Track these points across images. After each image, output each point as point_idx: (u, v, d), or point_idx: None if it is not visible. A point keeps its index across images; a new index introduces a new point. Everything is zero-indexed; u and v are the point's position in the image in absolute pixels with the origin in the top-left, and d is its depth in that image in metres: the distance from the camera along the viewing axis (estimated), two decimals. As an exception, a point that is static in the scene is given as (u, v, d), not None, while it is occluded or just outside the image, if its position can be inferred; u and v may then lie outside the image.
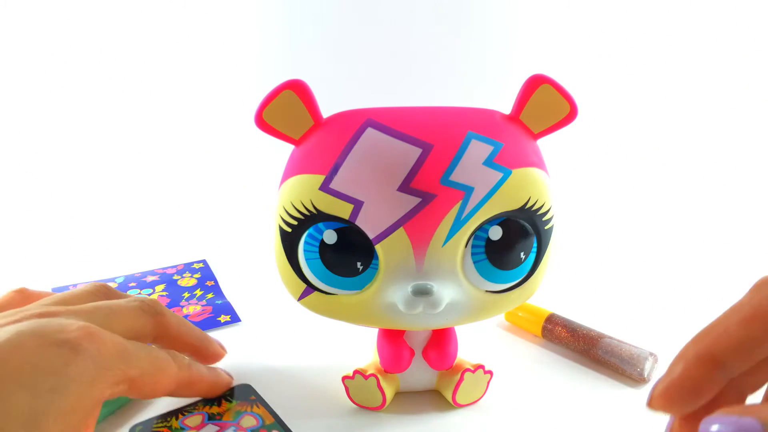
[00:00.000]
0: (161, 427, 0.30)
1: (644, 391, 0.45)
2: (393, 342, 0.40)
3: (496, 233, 0.35)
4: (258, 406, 0.30)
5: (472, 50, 0.85)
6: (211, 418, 0.29)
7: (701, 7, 0.83)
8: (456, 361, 0.42)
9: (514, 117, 0.37)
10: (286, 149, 0.38)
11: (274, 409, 0.31)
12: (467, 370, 0.41)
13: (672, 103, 0.87)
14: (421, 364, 0.41)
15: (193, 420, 0.30)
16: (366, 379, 0.40)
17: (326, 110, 0.36)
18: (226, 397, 0.31)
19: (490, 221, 0.35)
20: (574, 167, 0.81)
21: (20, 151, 0.84)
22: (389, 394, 0.41)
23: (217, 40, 0.87)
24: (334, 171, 0.34)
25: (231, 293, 0.61)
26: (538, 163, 0.37)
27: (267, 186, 0.45)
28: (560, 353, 0.48)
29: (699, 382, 0.20)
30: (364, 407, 0.41)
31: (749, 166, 0.83)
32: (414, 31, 0.83)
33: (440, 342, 0.40)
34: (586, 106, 0.37)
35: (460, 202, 0.34)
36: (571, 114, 0.36)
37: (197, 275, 0.64)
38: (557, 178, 0.39)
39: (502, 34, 0.86)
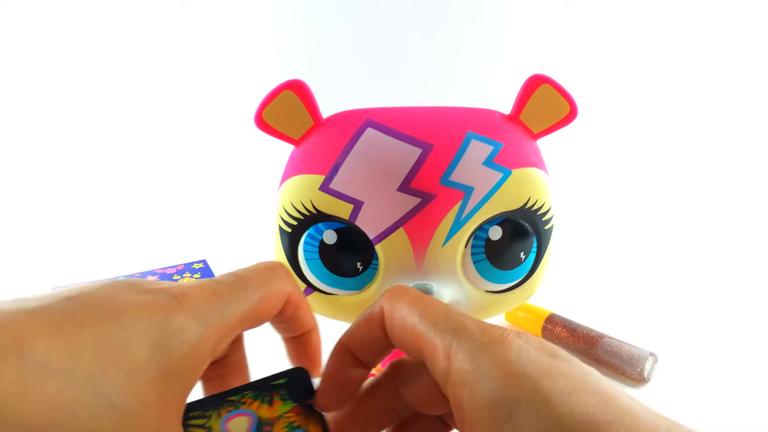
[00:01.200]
0: (198, 424, 0.22)
1: (644, 391, 0.45)
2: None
3: (495, 233, 0.35)
4: (316, 423, 0.24)
5: (471, 50, 0.85)
6: (259, 427, 0.23)
7: (701, 7, 0.83)
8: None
9: (514, 117, 0.37)
10: (286, 149, 0.38)
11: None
12: (467, 370, 0.41)
13: (672, 103, 0.87)
14: (421, 364, 0.41)
15: (238, 424, 0.23)
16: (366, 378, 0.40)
17: (326, 110, 0.36)
18: (278, 389, 0.24)
19: (490, 221, 0.35)
20: (574, 167, 0.81)
21: (20, 151, 0.84)
22: (389, 394, 0.41)
23: (217, 40, 0.87)
24: (334, 171, 0.34)
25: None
26: (538, 163, 0.37)
27: (267, 186, 0.45)
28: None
29: (341, 371, 0.23)
30: (364, 407, 0.41)
31: (749, 166, 0.83)
32: (414, 31, 0.83)
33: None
34: (586, 106, 0.37)
35: (460, 202, 0.34)
36: (571, 114, 0.36)
37: (197, 275, 0.64)
38: (557, 178, 0.39)
39: (502, 34, 0.86)
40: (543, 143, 0.38)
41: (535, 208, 0.35)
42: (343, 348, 0.23)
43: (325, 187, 0.34)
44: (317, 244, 0.35)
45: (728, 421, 0.42)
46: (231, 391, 0.23)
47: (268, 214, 0.38)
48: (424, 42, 0.85)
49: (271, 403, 0.23)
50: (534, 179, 0.35)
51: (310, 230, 0.35)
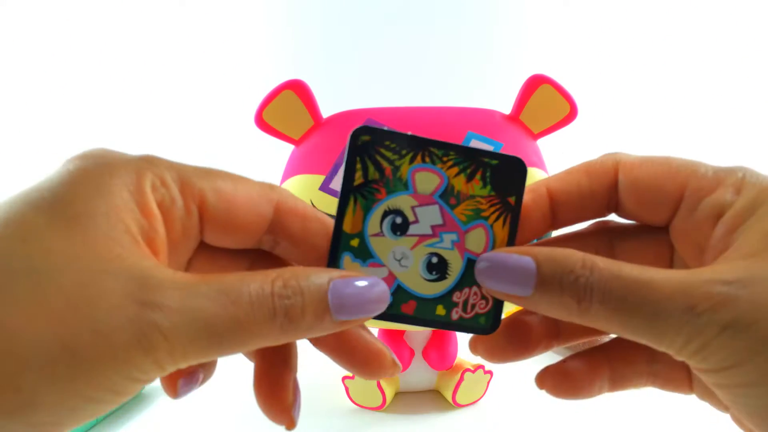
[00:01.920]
0: (388, 157, 0.20)
1: (644, 391, 0.45)
2: (393, 342, 0.40)
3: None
4: (505, 222, 0.20)
5: (472, 50, 0.85)
6: (445, 195, 0.20)
7: (701, 6, 0.83)
8: (456, 361, 0.42)
9: (514, 117, 0.37)
10: (286, 149, 0.38)
11: None
12: (467, 370, 0.41)
13: (672, 103, 0.87)
14: (421, 364, 0.41)
15: (426, 179, 0.20)
16: (366, 379, 0.40)
17: (326, 110, 0.36)
18: (486, 171, 0.20)
19: (490, 221, 0.35)
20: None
21: (20, 151, 0.84)
22: (389, 394, 0.41)
23: (217, 40, 0.87)
24: (334, 171, 0.34)
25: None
26: (538, 163, 0.37)
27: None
28: (560, 353, 0.48)
29: (527, 207, 0.20)
30: (364, 407, 0.41)
31: (750, 166, 0.83)
32: (414, 30, 0.83)
33: (440, 342, 0.40)
34: (586, 106, 0.37)
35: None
36: (571, 114, 0.36)
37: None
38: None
39: (502, 33, 0.86)
40: (543, 143, 0.38)
41: (535, 208, 0.35)
42: (541, 194, 0.20)
43: (325, 187, 0.34)
44: (317, 244, 0.35)
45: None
46: (436, 142, 0.20)
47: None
48: (424, 42, 0.85)
49: (470, 177, 0.20)
50: (534, 179, 0.35)
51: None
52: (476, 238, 0.20)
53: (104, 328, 0.15)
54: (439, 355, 0.40)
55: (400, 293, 0.20)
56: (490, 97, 0.44)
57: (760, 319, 0.15)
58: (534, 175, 0.36)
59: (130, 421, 0.41)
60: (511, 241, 0.20)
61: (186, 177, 0.18)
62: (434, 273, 0.20)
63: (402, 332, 0.41)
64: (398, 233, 0.20)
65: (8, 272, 0.15)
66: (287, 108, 0.35)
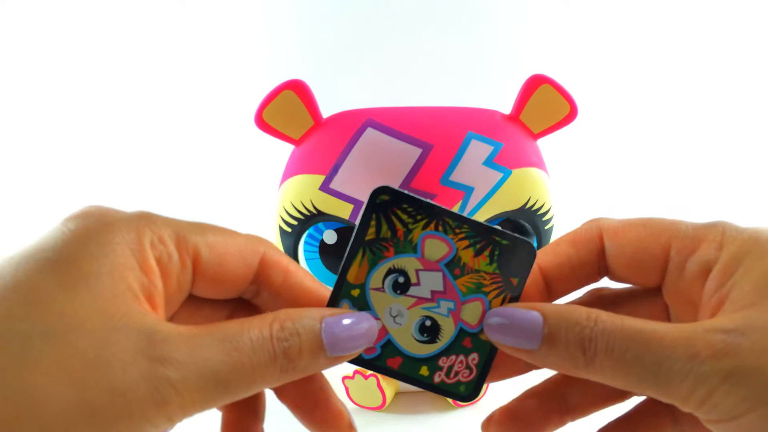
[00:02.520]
0: (402, 219, 0.20)
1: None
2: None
3: (496, 233, 0.35)
4: (504, 300, 0.21)
5: (472, 50, 0.85)
6: (451, 265, 0.21)
7: (701, 6, 0.83)
8: (456, 361, 0.42)
9: (514, 117, 0.37)
10: (286, 149, 0.38)
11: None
12: (467, 370, 0.41)
13: (673, 103, 0.87)
14: (421, 364, 0.41)
15: (435, 247, 0.21)
16: (366, 379, 0.40)
17: (326, 110, 0.36)
18: (494, 249, 0.21)
19: (491, 221, 0.35)
20: (574, 167, 0.81)
21: (19, 151, 0.84)
22: (389, 394, 0.41)
23: (217, 40, 0.87)
24: (334, 171, 0.34)
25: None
26: (538, 163, 0.37)
27: (267, 186, 0.45)
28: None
29: (527, 286, 0.21)
30: (364, 407, 0.41)
31: (750, 167, 0.83)
32: (414, 30, 0.83)
33: (440, 342, 0.41)
34: (586, 106, 0.37)
35: (460, 202, 0.34)
36: (571, 114, 0.36)
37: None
38: (557, 178, 0.39)
39: (502, 33, 0.86)
40: (543, 143, 0.38)
41: (535, 208, 0.35)
42: (533, 271, 0.21)
43: (325, 187, 0.34)
44: (317, 244, 0.35)
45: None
46: (453, 214, 0.21)
47: (268, 214, 0.38)
48: (424, 42, 0.85)
49: (479, 253, 0.21)
50: (534, 179, 0.35)
51: (311, 230, 0.35)
52: (473, 311, 0.21)
53: (120, 386, 0.15)
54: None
55: (389, 348, 0.21)
56: (491, 97, 0.44)
57: (763, 365, 0.16)
58: (534, 175, 0.36)
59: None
60: None
61: (181, 233, 0.19)
62: (425, 335, 0.21)
63: (402, 332, 0.41)
64: (398, 292, 0.21)
65: (25, 336, 0.15)
66: (287, 108, 0.35)
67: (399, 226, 0.21)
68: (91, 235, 0.17)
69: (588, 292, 0.23)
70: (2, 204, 0.82)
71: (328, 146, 0.35)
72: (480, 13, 0.85)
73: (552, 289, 0.22)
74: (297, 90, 0.34)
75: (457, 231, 0.21)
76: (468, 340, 0.21)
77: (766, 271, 0.17)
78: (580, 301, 0.23)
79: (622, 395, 0.22)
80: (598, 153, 0.88)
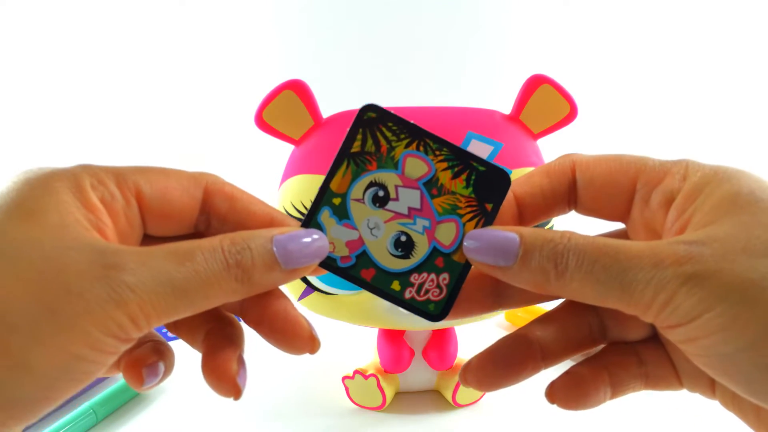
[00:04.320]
0: (386, 136, 0.22)
1: (644, 391, 0.45)
2: (393, 342, 0.40)
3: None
4: (477, 225, 0.21)
5: (472, 50, 0.85)
6: (429, 184, 0.22)
7: (701, 6, 0.83)
8: (456, 361, 0.42)
9: (514, 117, 0.37)
10: (286, 149, 0.38)
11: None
12: (467, 370, 0.41)
13: (673, 103, 0.87)
14: (421, 364, 0.41)
15: (415, 165, 0.22)
16: (366, 379, 0.40)
17: (326, 110, 0.36)
18: (471, 174, 0.22)
19: (490, 221, 0.35)
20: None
21: (19, 151, 0.84)
22: (389, 394, 0.41)
23: (218, 39, 0.87)
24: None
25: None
26: (538, 163, 0.37)
27: (267, 186, 0.45)
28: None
29: (501, 212, 0.22)
30: (364, 407, 0.41)
31: (751, 167, 0.83)
32: (414, 31, 0.83)
33: (440, 342, 0.40)
34: (586, 106, 0.37)
35: (460, 202, 0.34)
36: (571, 114, 0.36)
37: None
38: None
39: (503, 33, 0.86)
40: (543, 143, 0.38)
41: (535, 208, 0.35)
42: (508, 198, 0.22)
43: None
44: (317, 244, 0.35)
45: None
46: (434, 136, 0.22)
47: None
48: (424, 42, 0.85)
49: (456, 175, 0.22)
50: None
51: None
52: (447, 231, 0.22)
53: (77, 289, 0.16)
54: (439, 355, 0.40)
55: (363, 258, 0.22)
56: (490, 97, 0.44)
57: (721, 269, 0.17)
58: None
59: (131, 422, 0.41)
60: None
61: (120, 174, 0.20)
62: (400, 250, 0.22)
63: (402, 332, 0.41)
64: (377, 205, 0.22)
65: None
66: (287, 108, 0.35)
67: (383, 142, 0.22)
68: (32, 182, 0.18)
69: None
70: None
71: (328, 146, 0.34)
72: (480, 14, 0.85)
73: (524, 216, 0.23)
74: (297, 90, 0.34)
75: (437, 153, 0.22)
76: (440, 259, 0.22)
77: (724, 194, 0.19)
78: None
79: (592, 341, 0.23)
80: (597, 153, 0.88)
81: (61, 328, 0.16)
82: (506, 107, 0.37)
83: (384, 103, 0.36)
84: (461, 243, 0.21)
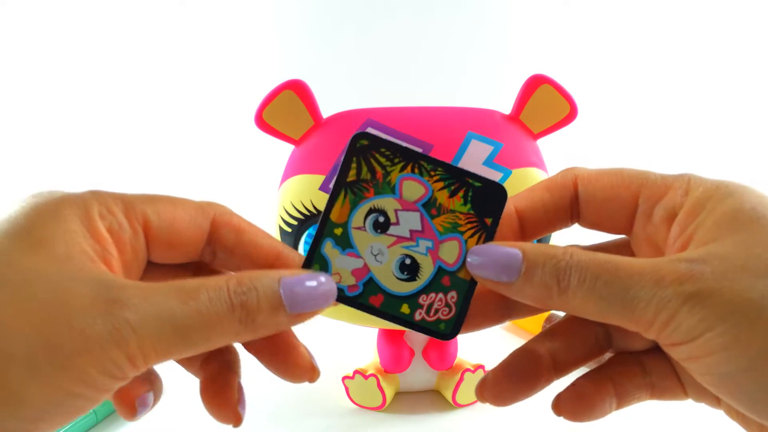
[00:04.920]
0: (381, 162, 0.22)
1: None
2: (393, 342, 0.40)
3: (496, 233, 0.35)
4: (479, 241, 0.22)
5: (472, 50, 0.85)
6: (428, 205, 0.22)
7: (701, 6, 0.83)
8: (456, 361, 0.42)
9: (514, 117, 0.37)
10: (286, 149, 0.38)
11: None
12: (467, 370, 0.41)
13: (673, 103, 0.87)
14: (421, 364, 0.41)
15: (412, 187, 0.22)
16: (366, 379, 0.40)
17: (326, 110, 0.36)
18: (468, 191, 0.22)
19: (490, 221, 0.35)
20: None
21: (19, 151, 0.84)
22: (389, 394, 0.41)
23: (218, 39, 0.87)
24: (334, 171, 0.34)
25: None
26: (538, 163, 0.37)
27: (267, 186, 0.45)
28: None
29: (502, 226, 0.22)
30: (364, 407, 0.41)
31: (750, 166, 0.83)
32: (414, 30, 0.83)
33: (440, 342, 0.40)
34: (586, 106, 0.37)
35: (460, 202, 0.34)
36: (571, 114, 0.36)
37: (197, 275, 0.64)
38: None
39: (502, 33, 0.86)
40: (543, 143, 0.38)
41: (535, 208, 0.35)
42: (509, 213, 0.22)
43: (325, 187, 0.34)
44: (317, 244, 0.35)
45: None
46: (427, 157, 0.22)
47: (268, 214, 0.38)
48: (424, 42, 0.85)
49: (453, 194, 0.22)
50: (534, 179, 0.35)
51: (311, 230, 0.35)
52: (450, 249, 0.22)
53: (79, 324, 0.16)
54: (439, 355, 0.40)
55: (371, 285, 0.22)
56: (490, 97, 0.44)
57: (722, 287, 0.17)
58: (534, 175, 0.36)
59: (130, 422, 0.41)
60: None
61: (129, 203, 0.20)
62: (405, 273, 0.22)
63: (402, 332, 0.41)
64: (379, 231, 0.22)
65: None
66: (287, 108, 0.35)
67: (378, 168, 0.22)
68: (41, 208, 0.18)
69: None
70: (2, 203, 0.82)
71: (328, 146, 0.34)
72: (480, 13, 0.85)
73: (525, 231, 0.23)
74: (297, 90, 0.34)
75: (432, 173, 0.22)
76: (446, 278, 0.22)
77: (726, 211, 0.19)
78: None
79: (600, 350, 0.23)
80: (598, 153, 0.88)
81: (59, 365, 0.16)
82: (506, 107, 0.37)
83: (384, 103, 0.36)
84: (465, 260, 0.22)
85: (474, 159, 0.34)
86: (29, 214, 0.18)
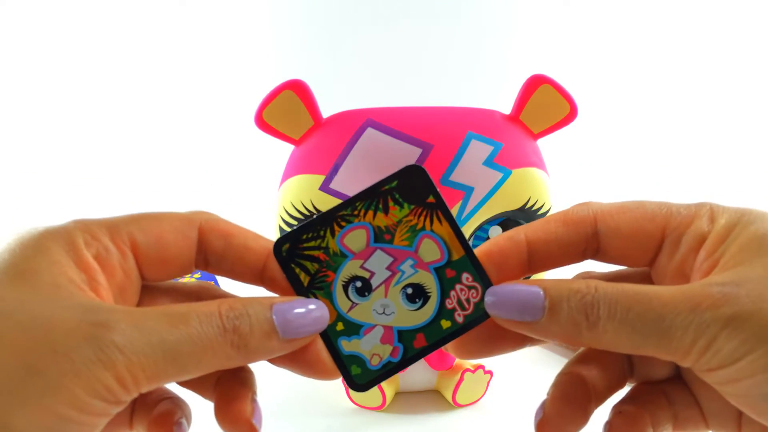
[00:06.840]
0: (313, 246, 0.21)
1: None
2: (393, 342, 0.40)
3: (496, 233, 0.35)
4: (440, 220, 0.21)
5: (472, 50, 0.85)
6: (378, 237, 0.21)
7: (701, 6, 0.83)
8: (456, 361, 0.42)
9: (514, 117, 0.37)
10: (286, 149, 0.38)
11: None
12: (467, 370, 0.41)
13: (672, 103, 0.87)
14: (421, 364, 0.41)
15: (355, 238, 0.21)
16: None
17: (326, 110, 0.36)
18: (393, 195, 0.21)
19: (490, 221, 0.35)
20: (574, 167, 0.81)
21: (19, 151, 0.84)
22: (389, 394, 0.41)
23: (218, 40, 0.87)
24: (334, 171, 0.34)
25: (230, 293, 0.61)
26: (538, 163, 0.37)
27: (267, 186, 0.45)
28: (560, 353, 0.48)
29: (505, 252, 0.21)
30: (364, 407, 0.41)
31: (750, 166, 0.83)
32: (415, 30, 0.83)
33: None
34: (586, 106, 0.37)
35: (460, 202, 0.34)
36: (571, 114, 0.36)
37: (197, 275, 0.64)
38: (557, 178, 0.39)
39: (503, 33, 0.86)
40: (543, 143, 0.38)
41: (535, 208, 0.35)
42: (519, 242, 0.22)
43: (325, 187, 0.34)
44: (317, 244, 0.35)
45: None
46: (340, 206, 0.22)
47: (269, 214, 0.38)
48: (424, 42, 0.85)
49: (386, 210, 0.21)
50: (534, 179, 0.35)
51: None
52: (428, 249, 0.22)
53: (63, 348, 0.16)
54: (439, 355, 0.40)
55: (405, 336, 0.22)
56: (491, 97, 0.44)
57: (760, 309, 0.17)
58: (534, 175, 0.36)
59: (130, 421, 0.41)
60: (456, 230, 0.22)
61: (114, 226, 0.20)
62: (417, 300, 0.22)
63: (402, 332, 0.41)
64: (366, 293, 0.22)
65: None
66: (287, 108, 0.35)
67: (314, 252, 0.21)
68: (24, 243, 0.18)
69: (576, 276, 0.23)
70: (2, 203, 0.82)
71: (328, 146, 0.35)
72: (480, 14, 0.85)
73: (533, 263, 0.22)
74: (297, 90, 0.34)
75: (356, 212, 0.22)
76: (448, 270, 0.22)
77: (751, 237, 0.19)
78: None
79: (624, 379, 0.23)
80: (598, 153, 0.88)
81: (46, 388, 0.16)
82: (506, 107, 0.37)
83: (385, 103, 0.36)
84: (446, 243, 0.21)
85: (474, 159, 0.34)
86: (13, 249, 0.18)
